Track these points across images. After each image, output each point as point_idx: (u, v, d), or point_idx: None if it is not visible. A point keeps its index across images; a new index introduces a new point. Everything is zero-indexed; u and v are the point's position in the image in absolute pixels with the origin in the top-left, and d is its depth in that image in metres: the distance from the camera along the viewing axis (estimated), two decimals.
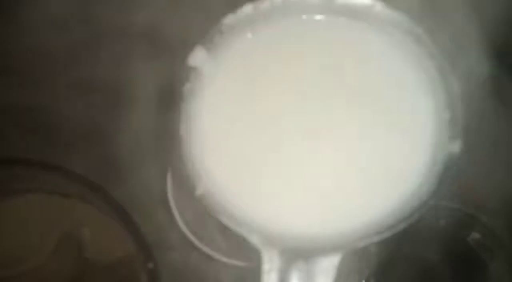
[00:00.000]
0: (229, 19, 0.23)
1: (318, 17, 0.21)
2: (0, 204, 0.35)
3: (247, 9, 0.21)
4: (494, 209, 0.34)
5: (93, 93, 0.40)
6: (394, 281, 0.33)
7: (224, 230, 0.24)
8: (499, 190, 0.34)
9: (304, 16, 0.21)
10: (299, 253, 0.19)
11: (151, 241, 0.31)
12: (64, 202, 0.36)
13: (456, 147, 0.21)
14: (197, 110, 0.22)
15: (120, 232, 0.34)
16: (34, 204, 0.36)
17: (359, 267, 0.33)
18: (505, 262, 0.31)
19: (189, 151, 0.21)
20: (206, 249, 0.31)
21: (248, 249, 0.20)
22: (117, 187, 0.34)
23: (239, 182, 0.20)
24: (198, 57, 0.22)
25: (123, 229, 0.34)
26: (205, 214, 0.32)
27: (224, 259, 0.31)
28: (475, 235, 0.32)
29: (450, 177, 0.21)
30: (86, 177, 0.32)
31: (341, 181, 0.21)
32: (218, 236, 0.32)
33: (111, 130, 0.39)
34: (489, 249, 0.32)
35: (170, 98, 0.23)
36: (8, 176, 0.34)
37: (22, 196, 0.36)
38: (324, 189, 0.21)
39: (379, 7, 0.22)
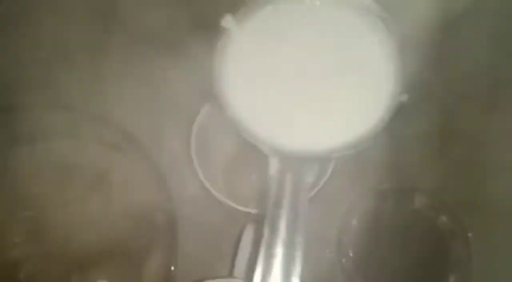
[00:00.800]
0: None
1: (317, 2, 0.31)
2: (46, 145, 0.41)
3: None
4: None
5: None
6: (368, 255, 0.39)
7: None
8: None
9: (307, 1, 0.31)
10: (293, 159, 0.27)
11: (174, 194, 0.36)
12: (100, 149, 0.41)
13: (404, 97, 0.28)
14: (226, 59, 0.30)
15: (144, 179, 0.40)
16: (75, 148, 0.41)
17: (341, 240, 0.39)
18: (463, 242, 0.36)
19: (221, 87, 0.29)
20: (221, 198, 0.35)
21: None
22: (149, 143, 0.38)
23: (256, 111, 0.29)
24: (228, 22, 0.30)
25: (147, 176, 0.40)
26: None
27: (240, 207, 0.35)
28: (443, 218, 0.38)
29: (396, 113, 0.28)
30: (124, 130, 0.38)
31: (322, 112, 0.29)
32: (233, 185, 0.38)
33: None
34: (452, 231, 0.37)
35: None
36: (54, 121, 0.39)
37: (65, 141, 0.41)
38: (311, 117, 0.29)
39: None
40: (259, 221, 0.35)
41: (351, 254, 0.38)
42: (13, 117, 0.38)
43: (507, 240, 0.39)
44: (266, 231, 0.26)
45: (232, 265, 0.34)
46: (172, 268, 0.36)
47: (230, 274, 0.34)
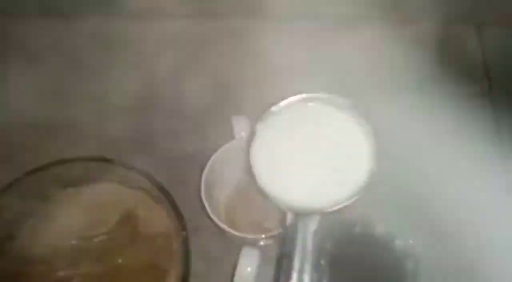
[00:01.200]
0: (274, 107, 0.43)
1: (311, 104, 0.43)
2: (86, 188, 0.51)
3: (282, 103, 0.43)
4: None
5: None
6: (341, 274, 0.47)
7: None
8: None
9: (309, 104, 0.43)
10: (302, 214, 0.38)
11: (189, 225, 0.46)
12: (129, 190, 0.51)
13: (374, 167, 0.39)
14: (256, 147, 0.42)
15: (164, 215, 0.50)
16: (108, 190, 0.51)
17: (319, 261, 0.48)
18: (413, 259, 0.46)
19: (253, 167, 0.41)
20: (224, 227, 0.46)
21: None
22: (170, 187, 0.48)
23: (277, 181, 0.40)
24: (258, 126, 0.43)
25: (167, 213, 0.49)
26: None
27: (237, 234, 0.45)
28: (397, 242, 0.47)
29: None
30: (148, 174, 0.48)
31: (320, 181, 0.41)
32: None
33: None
34: (404, 251, 0.47)
35: None
36: (95, 168, 0.50)
37: (101, 184, 0.51)
38: (313, 185, 0.41)
39: (341, 99, 0.42)
40: (253, 245, 0.46)
41: (328, 274, 0.47)
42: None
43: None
44: (284, 262, 0.36)
45: (232, 279, 0.43)
46: None
47: None
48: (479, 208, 0.54)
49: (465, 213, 0.54)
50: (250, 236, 0.43)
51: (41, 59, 0.64)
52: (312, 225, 0.37)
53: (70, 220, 0.50)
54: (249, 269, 0.41)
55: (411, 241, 0.47)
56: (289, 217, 0.39)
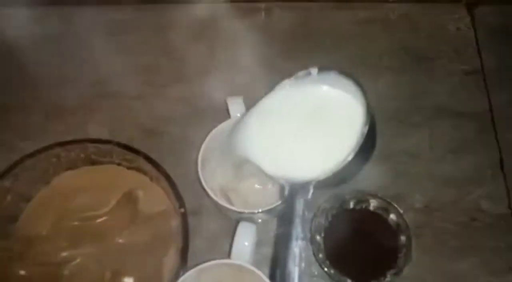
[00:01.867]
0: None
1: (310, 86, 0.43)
2: (89, 169, 0.52)
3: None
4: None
5: None
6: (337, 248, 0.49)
7: None
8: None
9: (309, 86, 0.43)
10: (297, 183, 0.39)
11: (188, 207, 0.47)
12: (128, 171, 0.52)
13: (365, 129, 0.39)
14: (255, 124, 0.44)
15: (163, 194, 0.51)
16: (108, 172, 0.53)
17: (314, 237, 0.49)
18: (405, 234, 0.47)
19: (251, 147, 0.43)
20: (222, 202, 0.46)
21: None
22: (169, 167, 0.49)
23: (274, 157, 0.42)
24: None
25: (165, 192, 0.50)
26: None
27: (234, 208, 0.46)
28: (392, 216, 0.49)
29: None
30: (146, 155, 0.49)
31: (313, 153, 0.41)
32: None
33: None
34: (400, 225, 0.48)
35: None
36: (95, 150, 0.51)
37: (102, 165, 0.52)
38: (306, 155, 0.41)
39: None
40: (249, 220, 0.47)
41: (323, 249, 0.49)
42: None
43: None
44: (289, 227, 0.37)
45: (230, 251, 0.44)
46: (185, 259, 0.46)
47: (228, 257, 0.44)
48: (471, 182, 0.55)
49: (456, 188, 0.55)
50: (247, 210, 0.44)
51: None
52: (307, 193, 0.38)
53: (71, 201, 0.51)
54: (246, 243, 0.42)
55: (404, 216, 0.48)
56: (287, 189, 0.40)
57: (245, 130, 0.44)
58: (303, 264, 0.35)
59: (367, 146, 0.38)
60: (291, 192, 0.39)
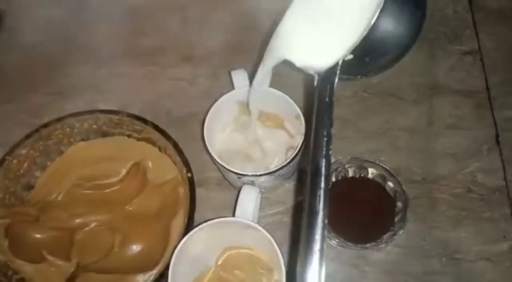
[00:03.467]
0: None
1: None
2: (101, 141, 0.55)
3: None
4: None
5: None
6: (338, 214, 0.50)
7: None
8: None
9: None
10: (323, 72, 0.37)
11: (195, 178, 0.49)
12: (137, 142, 0.55)
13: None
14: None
15: (170, 163, 0.53)
16: (118, 143, 0.55)
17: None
18: (402, 200, 0.49)
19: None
20: (225, 166, 0.47)
21: None
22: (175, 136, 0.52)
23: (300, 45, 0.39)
24: None
25: (173, 160, 0.53)
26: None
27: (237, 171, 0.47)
28: (389, 184, 0.51)
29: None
30: (154, 124, 0.51)
31: (334, 33, 0.38)
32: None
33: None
34: (396, 192, 0.50)
35: None
36: (106, 121, 0.53)
37: (113, 137, 0.55)
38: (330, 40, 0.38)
39: None
40: (251, 184, 0.49)
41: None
42: None
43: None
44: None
45: (234, 211, 0.46)
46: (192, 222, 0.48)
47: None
48: (467, 156, 0.57)
49: (453, 162, 0.57)
50: (250, 173, 0.46)
51: None
52: (334, 77, 0.37)
53: (84, 171, 0.54)
54: (249, 203, 0.44)
55: (401, 183, 0.50)
56: (316, 79, 0.38)
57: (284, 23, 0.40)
58: (330, 152, 0.34)
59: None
60: (319, 79, 0.38)
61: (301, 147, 0.47)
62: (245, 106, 0.50)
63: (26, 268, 0.49)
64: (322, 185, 0.33)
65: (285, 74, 0.61)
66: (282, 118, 0.53)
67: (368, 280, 0.52)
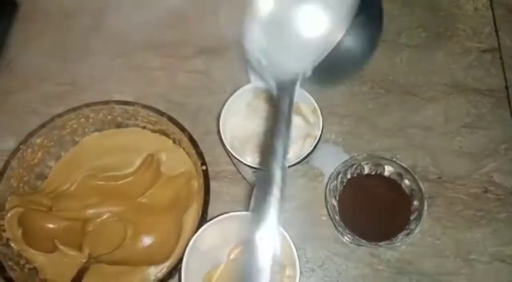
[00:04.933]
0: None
1: None
2: (115, 132, 0.54)
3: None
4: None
5: None
6: (353, 211, 0.50)
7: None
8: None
9: None
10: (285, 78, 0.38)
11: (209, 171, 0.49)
12: (151, 134, 0.55)
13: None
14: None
15: (185, 155, 0.53)
16: (132, 134, 0.55)
17: (331, 202, 0.50)
18: (418, 199, 0.48)
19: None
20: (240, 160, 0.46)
21: None
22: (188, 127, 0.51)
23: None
24: None
25: (187, 153, 0.52)
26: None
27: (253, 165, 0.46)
28: (406, 182, 0.50)
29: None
30: (169, 115, 0.51)
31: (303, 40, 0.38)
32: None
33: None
34: (413, 190, 0.49)
35: None
36: (120, 112, 0.53)
37: (127, 128, 0.55)
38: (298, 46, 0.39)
39: None
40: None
41: (340, 212, 0.50)
42: None
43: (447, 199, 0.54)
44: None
45: (248, 205, 0.45)
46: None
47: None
48: (484, 156, 0.57)
49: (470, 161, 0.56)
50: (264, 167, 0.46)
51: None
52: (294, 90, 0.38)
53: (98, 162, 0.53)
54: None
55: (418, 181, 0.49)
56: (275, 88, 0.39)
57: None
58: (286, 163, 0.34)
59: (370, 27, 0.37)
60: (279, 89, 0.38)
61: (318, 141, 0.46)
62: (260, 91, 0.50)
63: (39, 257, 0.49)
64: (277, 194, 0.33)
65: None
66: (298, 103, 0.51)
67: (381, 279, 0.51)
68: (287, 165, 0.45)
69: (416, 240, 0.52)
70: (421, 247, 0.52)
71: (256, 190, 0.37)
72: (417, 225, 0.47)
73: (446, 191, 0.55)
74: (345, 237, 0.50)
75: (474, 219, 0.54)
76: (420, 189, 0.48)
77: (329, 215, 0.50)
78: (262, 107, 0.50)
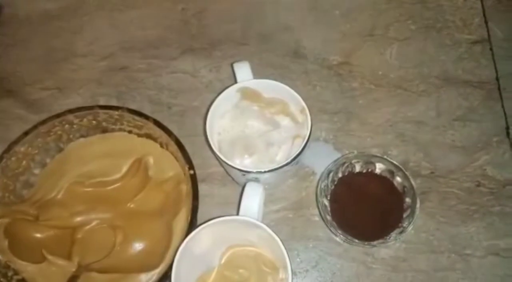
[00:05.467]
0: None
1: None
2: (101, 137, 0.53)
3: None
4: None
5: None
6: (344, 210, 0.50)
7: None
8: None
9: None
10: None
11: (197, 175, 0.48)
12: (138, 139, 0.54)
13: None
14: None
15: (173, 160, 0.52)
16: (119, 139, 0.54)
17: (322, 201, 0.50)
18: (411, 196, 0.48)
19: None
20: (229, 162, 0.46)
21: None
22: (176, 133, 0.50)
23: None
24: None
25: (175, 156, 0.51)
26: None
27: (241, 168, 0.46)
28: (397, 179, 0.49)
29: None
30: (155, 119, 0.50)
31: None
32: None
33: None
34: (405, 187, 0.49)
35: None
36: (105, 117, 0.52)
37: (113, 133, 0.54)
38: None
39: None
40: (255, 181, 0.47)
41: (331, 212, 0.50)
42: None
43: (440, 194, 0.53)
44: None
45: (238, 209, 0.45)
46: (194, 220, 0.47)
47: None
48: (477, 149, 0.56)
49: (462, 154, 0.56)
50: (254, 170, 0.45)
51: None
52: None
53: (84, 168, 0.52)
54: (252, 200, 0.43)
55: (410, 178, 0.48)
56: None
57: None
58: None
59: None
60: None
61: (307, 141, 0.45)
62: (247, 91, 0.49)
63: (27, 268, 0.48)
64: None
65: (287, 66, 0.60)
66: (286, 103, 0.50)
67: (376, 277, 0.51)
68: (277, 166, 0.45)
69: (410, 236, 0.51)
70: (415, 244, 0.52)
71: None
72: (410, 223, 0.47)
73: (439, 186, 0.54)
74: (337, 236, 0.49)
75: (468, 213, 0.53)
76: (412, 186, 0.48)
77: (320, 215, 0.49)
78: (249, 108, 0.49)
